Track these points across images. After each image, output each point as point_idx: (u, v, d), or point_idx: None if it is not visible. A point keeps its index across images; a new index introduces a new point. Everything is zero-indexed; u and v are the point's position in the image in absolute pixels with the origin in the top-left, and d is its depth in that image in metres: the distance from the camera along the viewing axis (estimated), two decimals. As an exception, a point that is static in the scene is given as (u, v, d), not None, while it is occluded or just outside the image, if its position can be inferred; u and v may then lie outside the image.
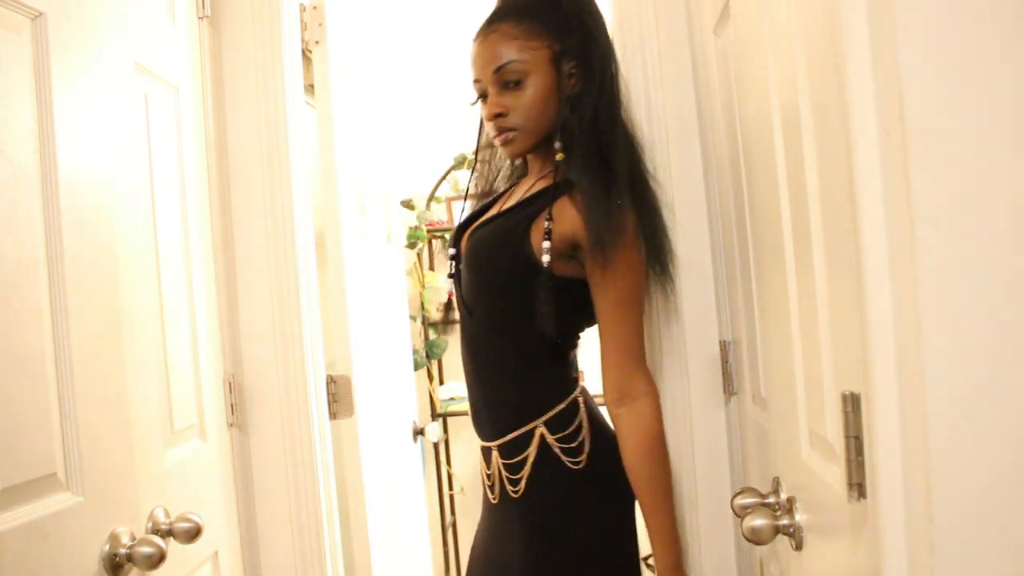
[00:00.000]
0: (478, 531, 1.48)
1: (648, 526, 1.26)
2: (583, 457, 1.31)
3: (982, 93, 0.60)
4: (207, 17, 1.54)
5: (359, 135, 2.03)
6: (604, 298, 1.26)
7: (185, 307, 1.40)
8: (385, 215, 2.34)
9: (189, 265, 1.42)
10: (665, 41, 1.53)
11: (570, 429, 1.32)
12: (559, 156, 1.29)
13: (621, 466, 1.30)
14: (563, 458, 1.31)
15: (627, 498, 1.32)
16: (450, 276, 1.45)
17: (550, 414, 1.31)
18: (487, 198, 1.51)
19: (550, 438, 1.31)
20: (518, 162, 1.48)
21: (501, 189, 1.50)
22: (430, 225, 3.30)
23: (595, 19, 1.32)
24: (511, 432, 1.33)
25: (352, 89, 1.97)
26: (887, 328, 0.64)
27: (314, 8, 1.77)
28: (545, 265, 1.24)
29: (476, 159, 1.53)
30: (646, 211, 1.29)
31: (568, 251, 1.26)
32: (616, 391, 1.27)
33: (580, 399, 1.35)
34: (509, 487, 1.34)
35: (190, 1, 1.50)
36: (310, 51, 1.79)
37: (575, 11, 1.30)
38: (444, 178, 3.30)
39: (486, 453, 1.40)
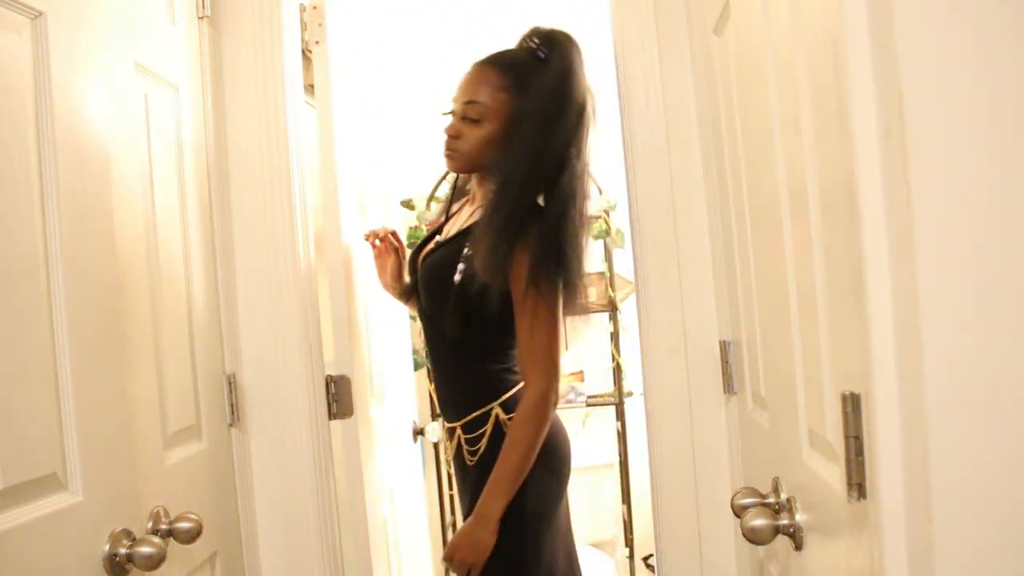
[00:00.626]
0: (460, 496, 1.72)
1: (491, 478, 1.49)
2: None
3: (982, 93, 0.60)
4: (207, 17, 1.54)
5: (359, 135, 2.03)
6: (516, 311, 1.51)
7: (184, 307, 1.40)
8: (385, 215, 2.34)
9: (189, 265, 1.42)
10: (665, 41, 1.53)
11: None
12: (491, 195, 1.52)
13: (554, 443, 1.56)
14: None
15: (551, 466, 1.56)
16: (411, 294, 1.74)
17: (504, 398, 1.57)
18: (459, 199, 1.78)
19: (503, 416, 1.56)
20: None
21: (468, 190, 1.75)
22: (430, 225, 3.29)
23: (557, 100, 1.47)
24: (472, 413, 1.59)
25: (352, 89, 1.97)
26: (887, 328, 0.64)
27: (314, 8, 1.77)
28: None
29: None
30: (557, 256, 1.48)
31: None
32: (522, 377, 1.55)
33: None
34: (467, 456, 1.60)
35: (190, 1, 1.50)
36: (310, 51, 1.78)
37: (543, 89, 1.48)
38: (444, 178, 3.30)
39: (450, 432, 1.66)
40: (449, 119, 1.58)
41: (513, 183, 1.48)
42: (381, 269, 1.89)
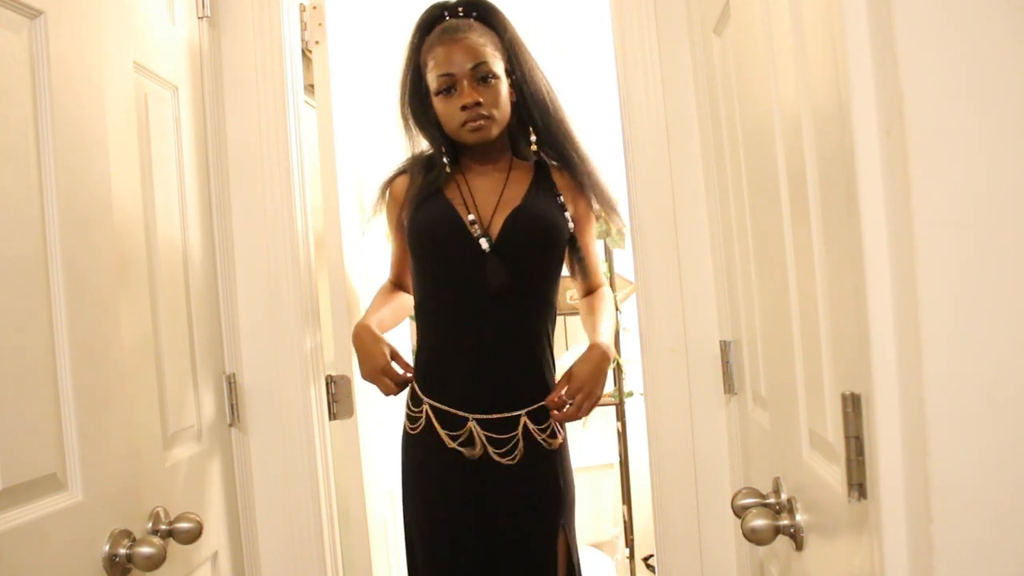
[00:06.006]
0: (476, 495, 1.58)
1: (603, 323, 1.62)
2: None
3: (982, 92, 0.60)
4: (207, 17, 1.54)
5: (359, 135, 2.03)
6: (587, 232, 1.70)
7: (184, 307, 1.40)
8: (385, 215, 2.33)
9: (188, 265, 1.42)
10: (665, 41, 1.53)
11: None
12: (533, 147, 1.62)
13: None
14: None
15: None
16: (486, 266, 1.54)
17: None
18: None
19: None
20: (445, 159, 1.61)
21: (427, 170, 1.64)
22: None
23: (524, 49, 1.61)
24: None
25: (352, 89, 1.97)
26: (887, 328, 0.64)
27: (314, 8, 1.77)
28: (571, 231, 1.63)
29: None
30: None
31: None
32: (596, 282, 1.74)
33: None
34: (544, 440, 1.57)
35: (190, 1, 1.50)
36: (310, 51, 1.78)
37: (510, 42, 1.59)
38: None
39: (498, 424, 1.54)
40: (448, 97, 1.51)
41: (562, 118, 1.60)
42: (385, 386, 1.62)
